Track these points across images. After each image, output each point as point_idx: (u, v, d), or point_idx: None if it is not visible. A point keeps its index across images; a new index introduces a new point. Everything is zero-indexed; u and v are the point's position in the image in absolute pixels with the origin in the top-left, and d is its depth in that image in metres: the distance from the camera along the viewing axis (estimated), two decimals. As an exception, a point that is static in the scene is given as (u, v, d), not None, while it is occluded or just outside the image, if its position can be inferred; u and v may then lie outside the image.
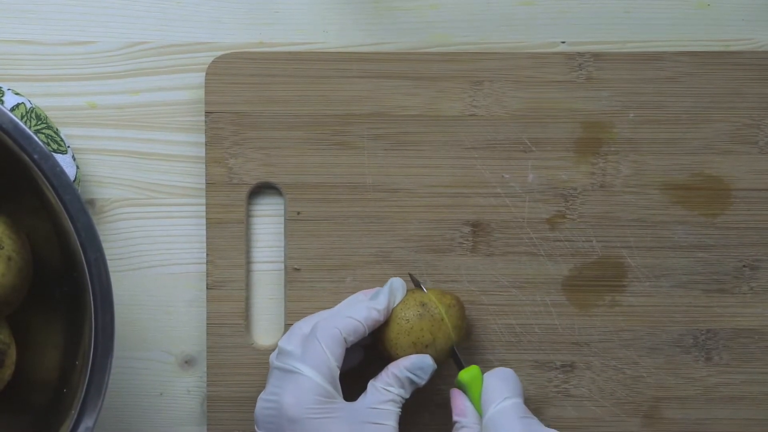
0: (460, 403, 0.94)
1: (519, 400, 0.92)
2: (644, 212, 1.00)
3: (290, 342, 0.93)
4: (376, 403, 0.92)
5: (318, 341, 0.92)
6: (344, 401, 0.92)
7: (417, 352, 0.94)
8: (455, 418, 0.93)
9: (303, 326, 0.94)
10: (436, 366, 0.93)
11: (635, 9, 1.01)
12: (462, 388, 0.94)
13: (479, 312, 0.99)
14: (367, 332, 0.93)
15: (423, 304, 0.94)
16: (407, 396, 0.93)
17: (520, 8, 1.01)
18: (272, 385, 0.93)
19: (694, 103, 1.00)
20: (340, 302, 0.97)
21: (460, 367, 0.94)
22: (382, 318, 0.94)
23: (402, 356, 0.94)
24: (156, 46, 1.00)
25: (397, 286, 0.95)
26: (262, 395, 0.94)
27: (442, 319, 0.94)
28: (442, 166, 0.99)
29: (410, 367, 0.93)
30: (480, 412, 0.93)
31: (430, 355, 0.94)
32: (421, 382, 0.93)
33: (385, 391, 0.92)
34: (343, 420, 0.91)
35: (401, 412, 0.92)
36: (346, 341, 0.92)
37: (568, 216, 0.99)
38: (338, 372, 0.92)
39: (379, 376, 0.93)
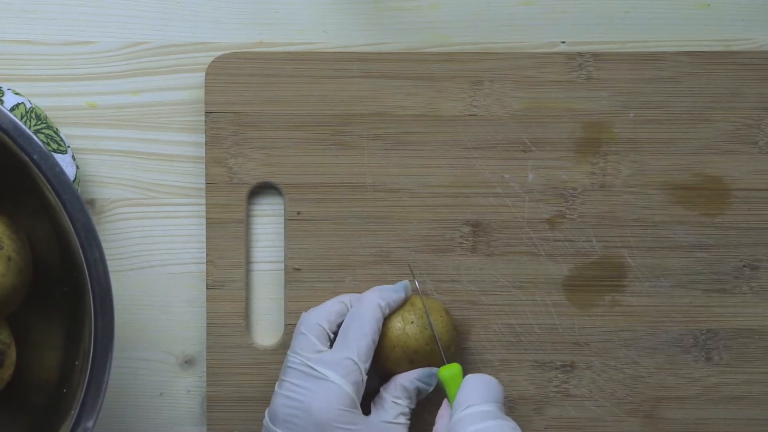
0: (442, 410, 0.94)
1: (491, 408, 0.91)
2: (644, 212, 0.99)
3: (313, 342, 0.93)
4: (390, 417, 0.93)
5: (349, 349, 0.92)
6: (362, 415, 0.92)
7: (410, 363, 0.94)
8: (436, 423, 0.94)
9: (321, 320, 0.94)
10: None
11: (635, 9, 1.01)
12: (441, 385, 0.94)
13: (479, 312, 0.99)
14: (384, 317, 0.94)
15: (412, 320, 0.94)
16: (414, 406, 0.94)
17: (520, 8, 1.01)
18: (295, 384, 0.93)
19: (694, 103, 1.00)
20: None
21: (442, 364, 0.95)
22: (401, 297, 0.95)
23: (398, 368, 0.94)
24: (156, 46, 1.00)
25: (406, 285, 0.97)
26: (281, 391, 0.93)
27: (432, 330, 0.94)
28: (442, 166, 0.99)
29: (419, 376, 0.94)
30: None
31: (426, 365, 0.94)
32: (429, 388, 0.94)
33: (395, 404, 0.93)
34: None
35: (410, 423, 0.94)
36: (373, 339, 0.93)
37: (568, 216, 0.99)
38: (364, 382, 0.92)
39: (388, 386, 0.94)
